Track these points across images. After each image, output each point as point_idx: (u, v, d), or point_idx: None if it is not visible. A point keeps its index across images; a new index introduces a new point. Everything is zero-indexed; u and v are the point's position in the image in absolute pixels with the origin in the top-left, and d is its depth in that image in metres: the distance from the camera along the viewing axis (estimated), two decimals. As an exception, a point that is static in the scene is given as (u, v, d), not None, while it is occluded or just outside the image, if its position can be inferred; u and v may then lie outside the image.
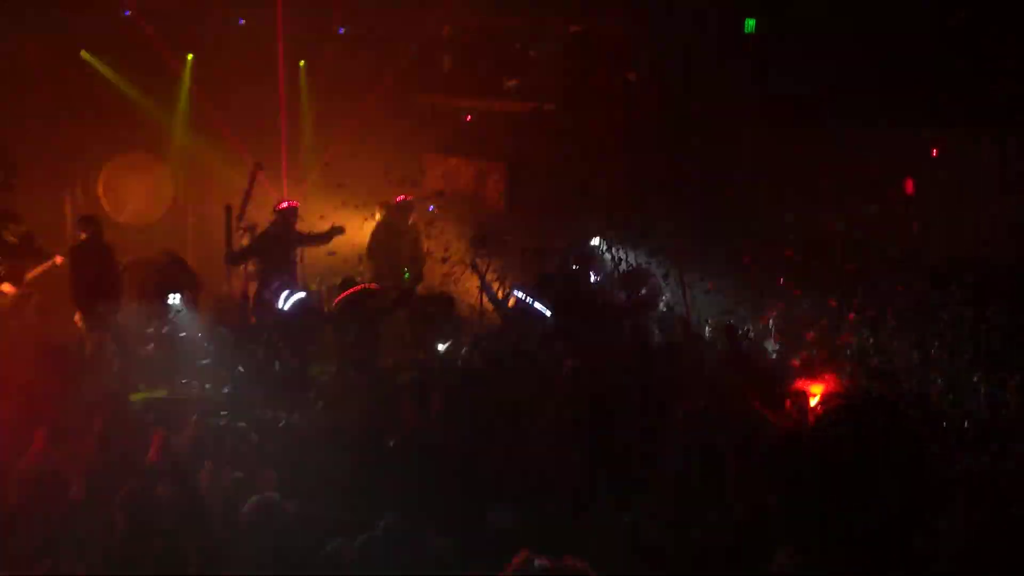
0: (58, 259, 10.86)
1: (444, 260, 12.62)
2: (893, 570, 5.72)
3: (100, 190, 13.74)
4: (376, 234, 12.76)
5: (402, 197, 12.87)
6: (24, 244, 11.06)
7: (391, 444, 7.09)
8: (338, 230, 11.69)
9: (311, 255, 12.22)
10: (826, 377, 9.02)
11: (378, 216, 12.82)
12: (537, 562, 5.10)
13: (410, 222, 12.95)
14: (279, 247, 11.30)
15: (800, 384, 9.00)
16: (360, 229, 12.83)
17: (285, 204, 11.60)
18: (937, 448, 7.27)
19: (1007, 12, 11.73)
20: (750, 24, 12.85)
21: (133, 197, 13.82)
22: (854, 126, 13.15)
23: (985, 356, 10.13)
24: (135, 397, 8.06)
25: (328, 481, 6.20)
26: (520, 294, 11.14)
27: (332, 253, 12.08)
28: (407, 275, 12.36)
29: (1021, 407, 8.61)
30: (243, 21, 13.91)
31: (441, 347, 10.60)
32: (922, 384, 9.56)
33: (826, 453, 6.72)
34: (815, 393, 8.59)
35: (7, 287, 11.00)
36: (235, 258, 11.32)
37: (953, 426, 8.29)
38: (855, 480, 6.24)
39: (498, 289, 11.70)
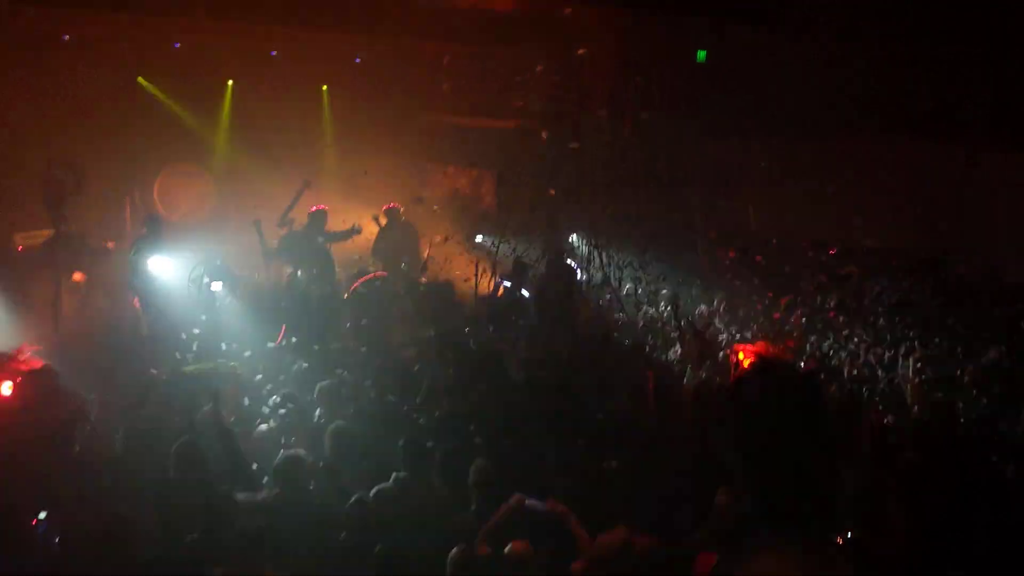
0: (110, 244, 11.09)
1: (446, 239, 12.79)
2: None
3: (156, 195, 13.75)
4: (379, 235, 12.89)
5: (389, 205, 13.00)
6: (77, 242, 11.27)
7: (404, 410, 7.20)
8: (356, 230, 11.93)
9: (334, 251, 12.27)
10: (758, 344, 9.20)
11: (383, 220, 12.94)
12: (528, 502, 5.24)
13: (402, 221, 13.04)
14: (308, 243, 11.46)
15: (736, 347, 9.20)
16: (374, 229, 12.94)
17: (315, 208, 11.73)
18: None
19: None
20: (701, 55, 12.87)
21: (184, 201, 13.83)
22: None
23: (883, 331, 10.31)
24: (187, 369, 8.05)
25: (351, 441, 6.23)
26: (507, 283, 11.24)
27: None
28: (404, 266, 12.43)
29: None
30: (275, 53, 13.85)
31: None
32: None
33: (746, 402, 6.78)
34: (747, 355, 8.75)
35: (79, 275, 11.09)
36: (271, 254, 11.45)
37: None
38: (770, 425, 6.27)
39: (488, 279, 11.76)
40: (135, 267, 10.47)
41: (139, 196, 13.71)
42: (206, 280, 10.82)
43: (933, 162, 12.14)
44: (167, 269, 10.77)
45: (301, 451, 5.76)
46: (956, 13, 10.80)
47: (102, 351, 9.02)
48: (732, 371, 8.62)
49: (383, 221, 12.85)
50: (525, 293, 11.15)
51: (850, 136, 12.65)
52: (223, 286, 10.79)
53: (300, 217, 11.78)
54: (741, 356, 8.87)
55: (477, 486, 5.56)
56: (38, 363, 6.72)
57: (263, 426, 6.74)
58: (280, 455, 5.61)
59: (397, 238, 12.83)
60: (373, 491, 5.59)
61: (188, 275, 10.94)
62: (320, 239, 11.68)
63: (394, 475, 5.64)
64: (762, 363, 7.57)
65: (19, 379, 6.32)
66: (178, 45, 13.31)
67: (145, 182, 13.73)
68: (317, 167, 12.69)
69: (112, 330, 10.41)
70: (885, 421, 7.53)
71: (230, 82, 14.21)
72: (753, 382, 7.05)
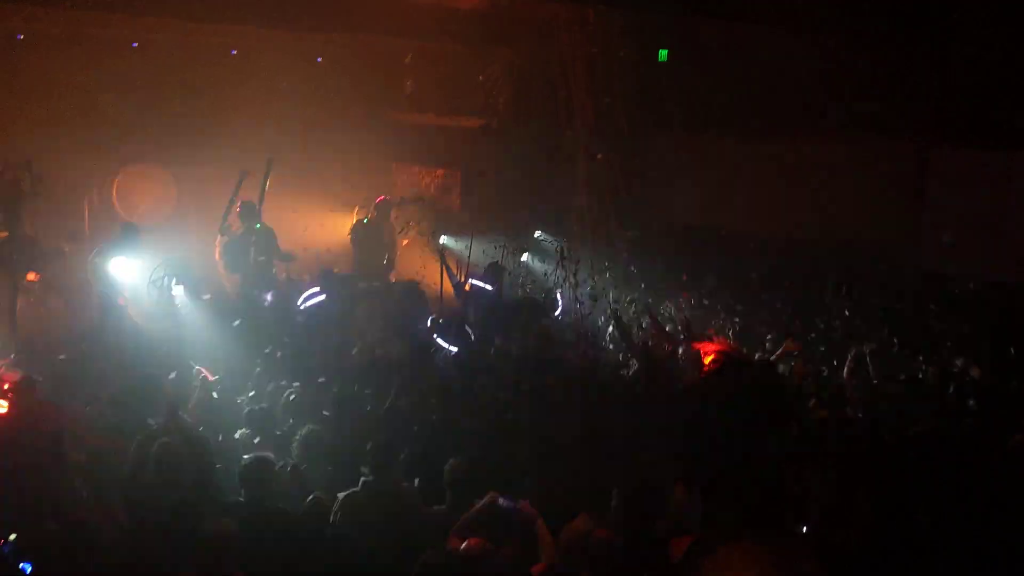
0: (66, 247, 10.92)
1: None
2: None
3: (114, 196, 13.64)
4: (356, 229, 12.88)
5: (381, 198, 13.04)
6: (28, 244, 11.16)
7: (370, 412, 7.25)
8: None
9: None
10: (717, 343, 9.33)
11: (356, 215, 12.95)
12: (501, 501, 5.34)
13: (391, 218, 13.10)
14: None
15: (695, 346, 9.31)
16: (337, 228, 12.93)
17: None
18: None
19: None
20: (663, 54, 13.03)
21: (143, 201, 13.73)
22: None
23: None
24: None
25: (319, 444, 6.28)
26: (475, 281, 11.31)
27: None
28: (387, 261, 12.49)
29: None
30: (235, 52, 13.79)
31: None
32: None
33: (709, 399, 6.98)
34: (708, 352, 8.84)
35: (32, 275, 10.99)
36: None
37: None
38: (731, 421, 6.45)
39: (457, 273, 11.83)
40: (96, 269, 10.39)
41: (98, 196, 13.59)
42: (167, 282, 10.75)
43: (885, 159, 12.42)
44: (128, 271, 10.68)
45: (269, 454, 5.79)
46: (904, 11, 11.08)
47: (57, 353, 8.96)
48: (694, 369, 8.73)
49: (356, 215, 12.90)
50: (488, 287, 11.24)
51: (803, 134, 12.93)
52: (185, 289, 10.73)
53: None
54: (702, 354, 8.97)
55: (451, 485, 5.63)
56: (14, 375, 6.64)
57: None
58: (247, 458, 5.63)
59: (380, 233, 12.89)
60: (342, 496, 5.65)
61: (149, 277, 10.87)
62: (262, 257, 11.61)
63: (362, 479, 5.70)
64: (726, 358, 7.79)
65: (9, 395, 6.27)
66: (136, 44, 13.22)
67: (104, 182, 13.60)
68: (278, 166, 12.61)
69: (67, 332, 10.35)
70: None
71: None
72: (719, 377, 7.24)
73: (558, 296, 11.78)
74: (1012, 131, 11.19)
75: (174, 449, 5.68)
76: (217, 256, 11.82)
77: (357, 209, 13.27)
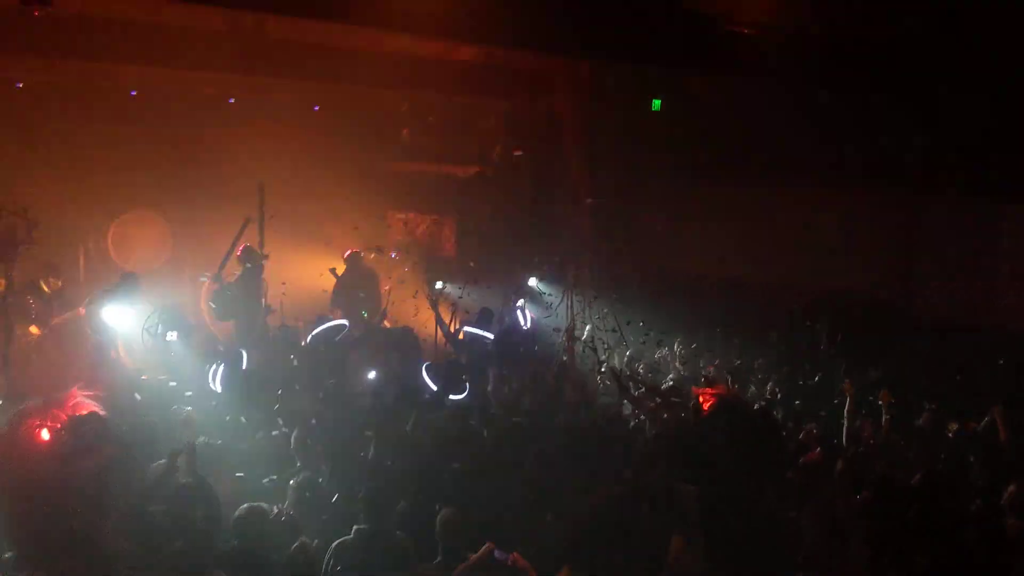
0: (80, 311, 10.78)
1: (415, 295, 12.83)
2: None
3: (110, 243, 13.67)
4: (340, 281, 12.93)
5: (350, 251, 13.10)
6: (55, 294, 11.10)
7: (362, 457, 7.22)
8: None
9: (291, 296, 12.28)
10: (715, 387, 9.37)
11: (340, 269, 13.01)
12: (496, 553, 5.33)
13: (364, 267, 13.12)
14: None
15: (694, 391, 9.34)
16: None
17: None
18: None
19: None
20: (656, 104, 13.21)
21: (139, 249, 13.76)
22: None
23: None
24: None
25: (313, 493, 6.27)
26: (468, 328, 11.33)
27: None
28: (364, 314, 12.47)
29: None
30: (233, 100, 13.93)
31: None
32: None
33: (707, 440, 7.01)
34: (705, 396, 8.87)
35: (35, 329, 10.95)
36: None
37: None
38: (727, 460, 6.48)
39: (450, 322, 11.86)
40: (91, 317, 10.37)
41: (93, 244, 13.62)
42: (162, 330, 10.73)
43: (880, 208, 12.59)
44: (123, 319, 10.67)
45: (263, 504, 5.76)
46: (893, 67, 11.34)
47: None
48: (692, 414, 8.75)
49: (340, 271, 12.92)
50: (483, 333, 11.26)
51: (796, 183, 13.13)
52: (179, 335, 10.70)
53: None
54: (701, 400, 9.01)
55: (443, 537, 5.60)
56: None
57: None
58: (241, 507, 5.60)
59: (358, 284, 12.90)
60: (334, 544, 5.63)
61: (143, 324, 10.85)
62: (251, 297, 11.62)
63: (355, 527, 5.67)
64: (723, 403, 7.81)
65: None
66: (135, 93, 13.36)
67: (100, 229, 13.65)
68: (275, 214, 12.68)
69: (61, 380, 10.28)
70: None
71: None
72: (718, 422, 7.25)
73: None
74: (1000, 183, 11.38)
75: (189, 491, 5.68)
76: (203, 303, 11.80)
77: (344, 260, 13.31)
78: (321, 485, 6.34)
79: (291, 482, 6.31)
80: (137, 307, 10.45)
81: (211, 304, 11.52)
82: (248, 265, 11.63)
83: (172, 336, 10.60)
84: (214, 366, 9.35)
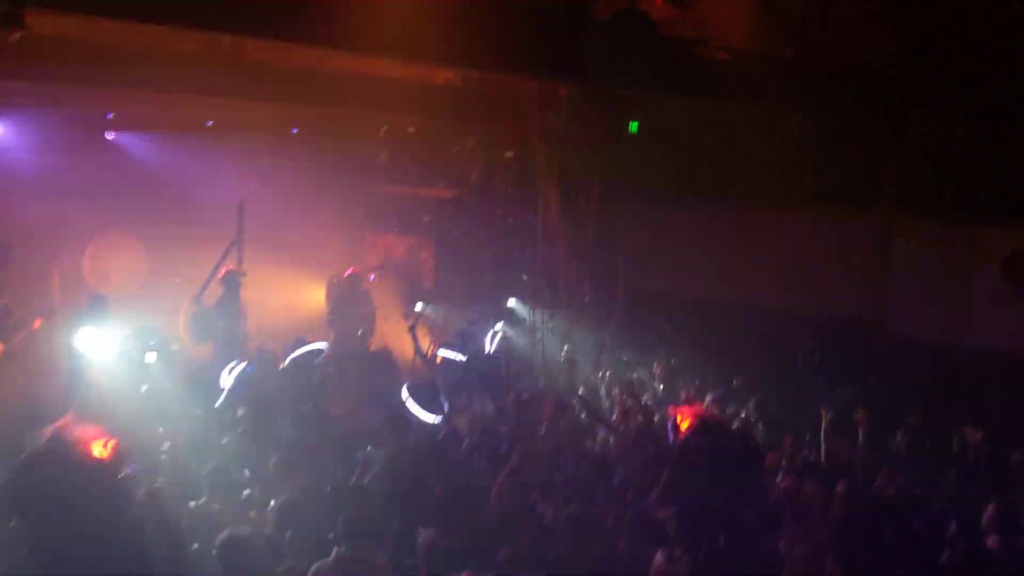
0: (36, 323, 10.68)
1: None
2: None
3: (86, 266, 13.58)
4: (334, 303, 12.94)
5: (351, 271, 13.10)
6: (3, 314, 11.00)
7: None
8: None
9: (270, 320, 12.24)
10: (694, 407, 9.44)
11: (328, 287, 13.02)
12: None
13: (361, 290, 13.14)
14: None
15: (672, 411, 9.40)
16: (312, 297, 12.95)
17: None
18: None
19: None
20: (633, 126, 13.32)
21: (115, 272, 13.67)
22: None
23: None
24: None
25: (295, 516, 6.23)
26: (444, 352, 11.34)
27: None
28: (362, 333, 12.51)
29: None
30: (211, 123, 13.90)
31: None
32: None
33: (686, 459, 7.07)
34: (684, 417, 8.93)
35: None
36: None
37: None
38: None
39: (428, 347, 11.87)
40: (64, 342, 10.28)
41: (68, 267, 13.52)
42: (139, 352, 10.65)
43: (851, 230, 12.75)
44: (98, 342, 10.58)
45: (245, 528, 5.73)
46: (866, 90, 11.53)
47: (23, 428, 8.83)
48: (670, 433, 8.81)
49: (322, 293, 12.94)
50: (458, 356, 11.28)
51: (772, 205, 13.28)
52: (157, 358, 10.64)
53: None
54: (679, 419, 9.07)
55: (425, 559, 5.59)
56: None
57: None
58: (223, 533, 5.56)
59: (357, 307, 12.92)
60: (313, 567, 5.60)
61: (120, 348, 10.77)
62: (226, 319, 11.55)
63: (335, 550, 5.64)
64: (702, 423, 7.87)
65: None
66: (111, 115, 13.32)
67: (75, 252, 13.55)
68: (252, 236, 12.64)
69: (33, 406, 10.18)
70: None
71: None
72: (697, 441, 7.31)
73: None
74: (973, 204, 11.58)
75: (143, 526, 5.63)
76: (182, 326, 11.72)
77: (329, 283, 13.33)
78: (300, 508, 6.30)
79: (271, 503, 6.27)
80: (108, 329, 10.38)
81: (189, 326, 11.45)
82: (229, 288, 11.59)
83: (150, 358, 10.56)
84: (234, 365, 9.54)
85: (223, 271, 11.66)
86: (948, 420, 9.45)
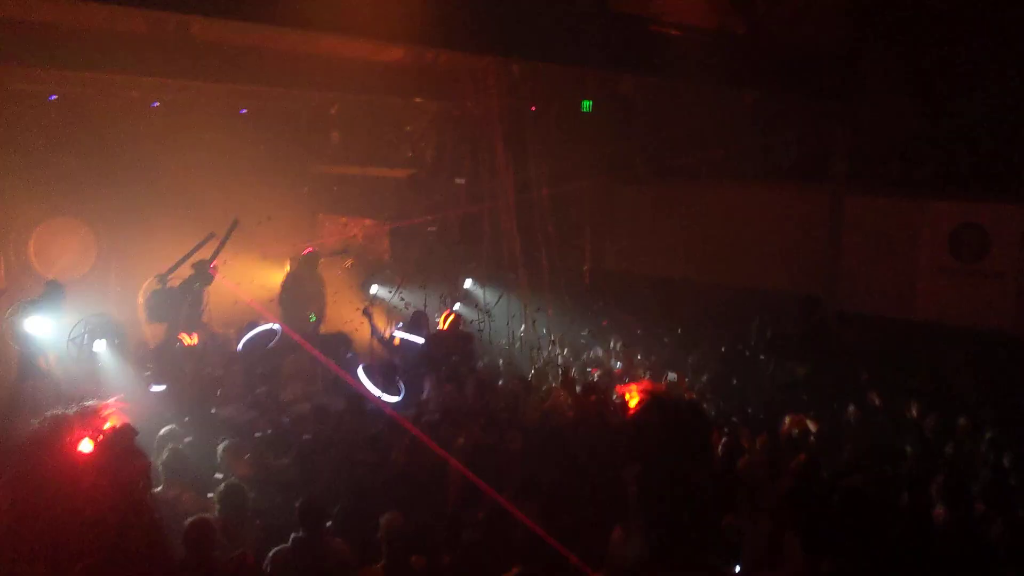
0: None
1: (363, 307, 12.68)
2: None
3: (32, 251, 13.27)
4: (286, 282, 12.77)
5: (308, 249, 12.94)
6: None
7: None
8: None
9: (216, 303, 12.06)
10: (642, 382, 9.54)
11: (288, 267, 12.84)
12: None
13: (315, 271, 13.00)
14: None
15: (620, 389, 9.49)
16: (265, 280, 12.79)
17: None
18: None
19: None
20: (586, 104, 13.33)
21: (62, 256, 13.38)
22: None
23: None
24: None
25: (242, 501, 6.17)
26: (400, 333, 11.29)
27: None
28: (313, 318, 12.36)
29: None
30: (156, 104, 13.64)
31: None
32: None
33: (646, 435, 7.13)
34: (635, 393, 9.03)
35: None
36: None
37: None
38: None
39: (384, 328, 11.81)
40: (13, 328, 10.05)
41: (14, 251, 13.21)
42: (88, 339, 10.45)
43: (802, 205, 12.90)
44: (47, 328, 10.37)
45: (208, 515, 5.65)
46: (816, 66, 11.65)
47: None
48: (622, 410, 8.88)
49: (280, 274, 12.76)
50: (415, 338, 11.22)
51: (722, 181, 13.39)
52: (107, 345, 10.44)
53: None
54: (628, 396, 9.14)
55: (387, 541, 5.56)
56: (119, 420, 6.42)
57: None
58: (189, 520, 5.49)
59: (307, 287, 12.77)
60: (271, 552, 5.56)
61: (69, 334, 10.56)
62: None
63: (292, 535, 5.61)
64: (654, 399, 7.92)
65: (100, 436, 6.06)
66: (54, 97, 13.00)
67: (20, 238, 13.25)
68: (205, 218, 12.41)
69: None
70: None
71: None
72: (650, 416, 7.35)
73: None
74: (920, 179, 11.78)
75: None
76: (140, 303, 11.46)
77: (289, 261, 13.16)
78: (247, 494, 6.22)
79: (216, 490, 6.20)
80: (62, 317, 10.18)
81: (147, 302, 11.19)
82: (198, 277, 11.28)
83: (99, 345, 10.36)
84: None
85: (194, 261, 11.34)
86: (897, 392, 9.62)
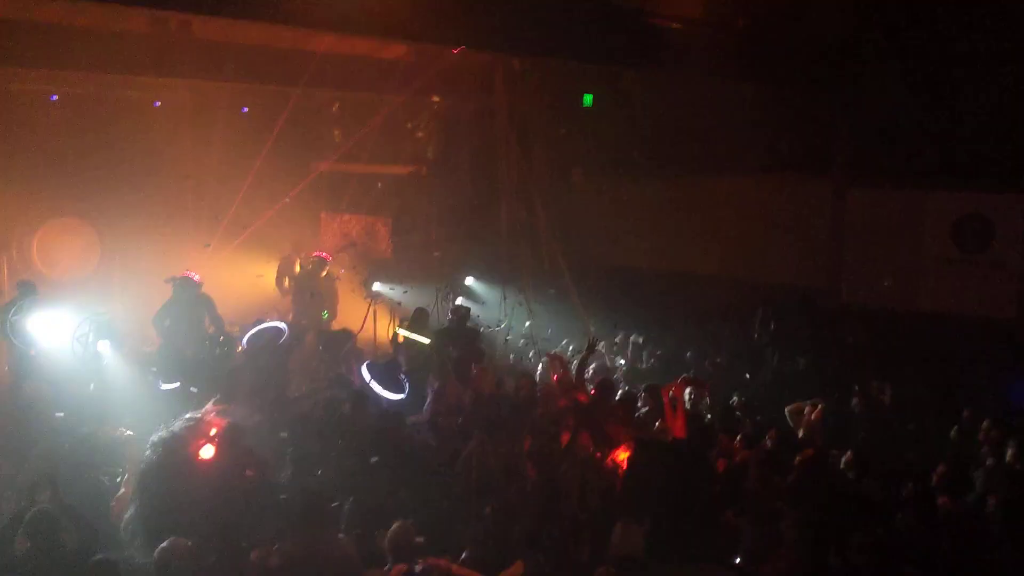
0: None
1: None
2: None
3: (34, 252, 13.28)
4: (299, 279, 12.82)
5: (318, 254, 12.99)
6: None
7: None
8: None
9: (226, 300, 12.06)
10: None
11: (298, 267, 12.89)
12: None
13: (324, 273, 13.00)
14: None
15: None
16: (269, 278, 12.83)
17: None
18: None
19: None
20: (588, 99, 13.30)
21: (65, 257, 13.39)
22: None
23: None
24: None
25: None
26: (403, 331, 11.23)
27: None
28: (325, 315, 12.42)
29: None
30: (159, 103, 13.64)
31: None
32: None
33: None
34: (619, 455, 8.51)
35: None
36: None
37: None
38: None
39: (389, 324, 11.80)
40: (15, 328, 10.08)
41: (16, 253, 13.22)
42: (92, 339, 10.47)
43: (805, 198, 12.87)
44: (50, 329, 10.39)
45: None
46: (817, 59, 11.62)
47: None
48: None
49: (273, 272, 12.80)
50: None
51: (727, 175, 13.36)
52: (110, 345, 10.46)
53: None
54: (617, 459, 8.47)
55: (394, 550, 5.50)
56: (222, 421, 6.59)
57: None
58: (163, 544, 5.44)
59: (318, 285, 12.80)
60: (275, 547, 5.57)
61: (73, 334, 10.57)
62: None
63: (293, 534, 5.62)
64: (640, 447, 7.49)
65: (216, 440, 6.33)
66: (55, 98, 13.01)
67: (23, 239, 13.26)
68: (208, 218, 12.47)
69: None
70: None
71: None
72: (640, 465, 7.11)
73: None
74: (922, 170, 11.74)
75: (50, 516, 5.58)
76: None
77: (299, 260, 13.22)
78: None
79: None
80: (42, 315, 10.19)
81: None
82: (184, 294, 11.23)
83: (103, 345, 10.38)
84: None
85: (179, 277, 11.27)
86: (902, 384, 9.60)
